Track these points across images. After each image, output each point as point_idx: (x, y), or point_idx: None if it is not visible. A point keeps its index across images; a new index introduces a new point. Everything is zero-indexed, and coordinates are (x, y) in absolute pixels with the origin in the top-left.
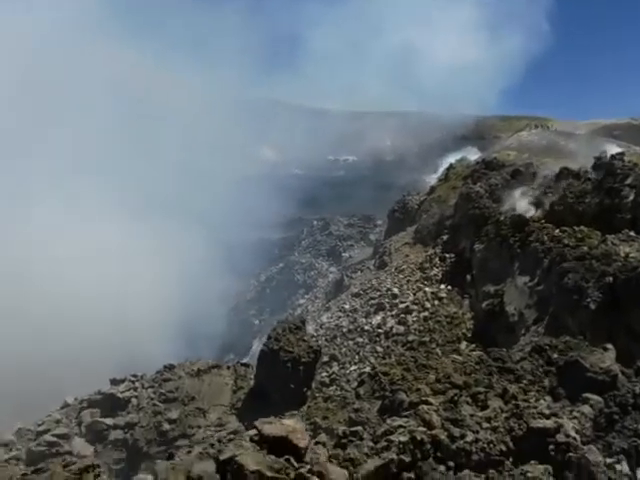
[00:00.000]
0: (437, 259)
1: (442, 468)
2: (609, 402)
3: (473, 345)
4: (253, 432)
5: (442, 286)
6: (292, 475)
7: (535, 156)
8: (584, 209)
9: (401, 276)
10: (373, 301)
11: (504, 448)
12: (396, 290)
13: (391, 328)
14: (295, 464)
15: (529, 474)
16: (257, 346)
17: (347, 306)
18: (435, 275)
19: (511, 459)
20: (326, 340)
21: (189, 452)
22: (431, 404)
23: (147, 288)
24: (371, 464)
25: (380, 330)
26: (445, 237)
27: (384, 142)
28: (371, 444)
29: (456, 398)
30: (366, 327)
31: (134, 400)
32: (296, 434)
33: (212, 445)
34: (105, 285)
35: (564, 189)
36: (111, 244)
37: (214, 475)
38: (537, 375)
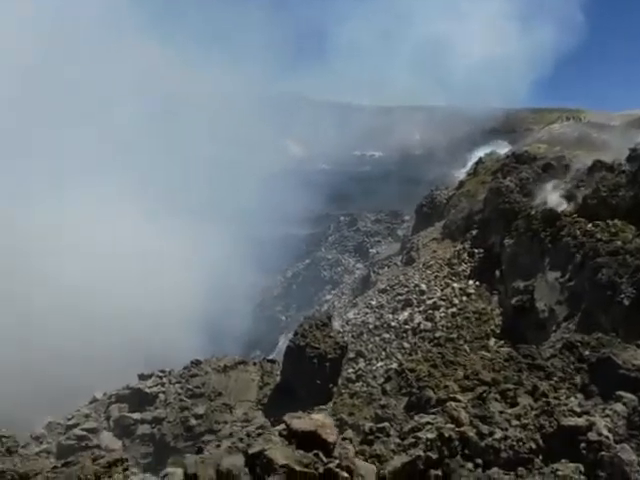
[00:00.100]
0: (465, 254)
1: (470, 465)
2: None
3: (502, 342)
4: (282, 427)
5: (470, 282)
6: (321, 470)
7: (567, 149)
8: (618, 202)
9: (429, 272)
10: (400, 297)
11: (534, 446)
12: (424, 286)
13: (418, 324)
14: (324, 459)
15: (559, 472)
16: (283, 342)
17: (374, 302)
18: (463, 271)
19: (541, 457)
20: (352, 336)
21: (218, 446)
22: (459, 401)
23: (174, 284)
24: (398, 461)
25: (407, 326)
26: (474, 232)
27: (412, 136)
28: (398, 441)
29: (485, 395)
30: (393, 323)
31: (161, 395)
32: (325, 429)
33: (241, 439)
34: (133, 281)
35: (597, 182)
36: (139, 239)
37: (243, 469)
38: (568, 372)
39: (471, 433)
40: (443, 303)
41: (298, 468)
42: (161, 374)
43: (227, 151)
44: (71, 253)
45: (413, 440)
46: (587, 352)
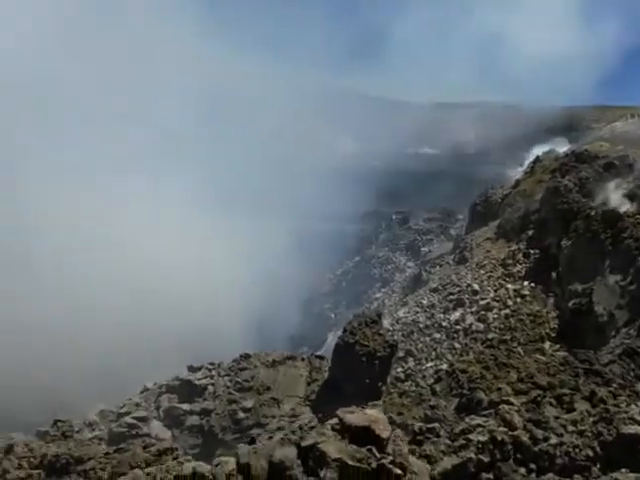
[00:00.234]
0: (521, 255)
1: (523, 470)
2: None
3: (557, 345)
4: (334, 421)
5: (525, 283)
6: (374, 465)
7: (630, 147)
8: None
9: (482, 272)
10: (452, 297)
11: (591, 453)
12: (476, 286)
13: (470, 325)
14: (377, 454)
15: None
16: (332, 339)
17: (425, 301)
18: (518, 272)
19: (599, 465)
20: (402, 335)
21: (270, 438)
22: (512, 404)
23: (225, 279)
24: (448, 462)
25: (458, 327)
26: (530, 232)
27: (466, 134)
28: (448, 442)
29: (539, 399)
30: (444, 323)
31: (210, 387)
32: (378, 424)
33: (293, 432)
34: (184, 276)
35: None
36: (191, 236)
37: (295, 461)
38: (628, 379)
39: (524, 437)
40: (496, 304)
41: (351, 462)
42: (210, 366)
43: (280, 148)
44: (126, 248)
45: (464, 442)
46: None
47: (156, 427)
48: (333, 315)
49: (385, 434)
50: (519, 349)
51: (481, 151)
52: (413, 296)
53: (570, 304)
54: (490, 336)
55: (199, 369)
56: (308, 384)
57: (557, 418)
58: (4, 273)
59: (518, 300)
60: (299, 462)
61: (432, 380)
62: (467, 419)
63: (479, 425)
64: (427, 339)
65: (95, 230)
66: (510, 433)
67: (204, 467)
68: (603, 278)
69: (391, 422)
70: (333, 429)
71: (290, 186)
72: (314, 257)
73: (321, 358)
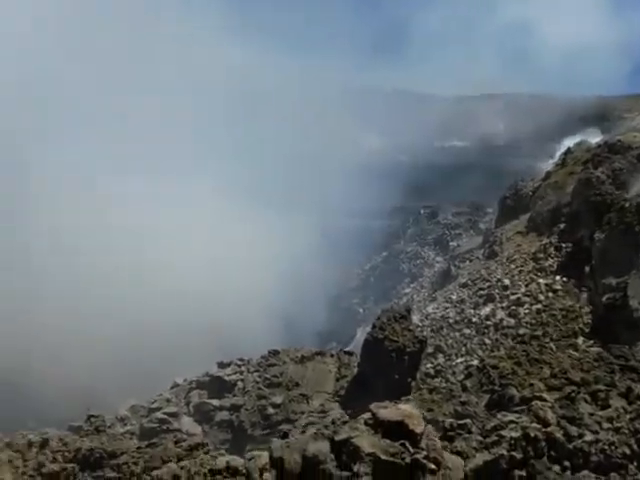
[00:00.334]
0: (552, 249)
1: (557, 468)
2: None
3: (591, 341)
4: (367, 415)
5: (557, 277)
6: (407, 460)
7: None
8: None
9: (512, 266)
10: (482, 292)
11: (628, 451)
12: (507, 281)
13: (501, 320)
14: (410, 449)
15: None
16: (361, 335)
17: (454, 296)
18: (550, 266)
19: (635, 463)
20: (431, 331)
21: (303, 432)
22: (545, 400)
23: (252, 274)
24: (480, 459)
25: (489, 322)
26: (561, 226)
27: (495, 126)
28: (480, 438)
29: (573, 395)
30: (474, 319)
31: (240, 383)
32: (412, 419)
33: (326, 426)
34: (210, 272)
35: None
36: (217, 231)
37: (329, 455)
38: None
39: (558, 434)
40: (527, 299)
41: (384, 457)
42: (240, 362)
43: (306, 144)
44: (156, 247)
45: (496, 438)
46: None
47: (186, 422)
48: (361, 311)
49: (419, 429)
50: (551, 345)
51: (510, 143)
52: (442, 291)
53: (604, 299)
54: (521, 331)
55: (229, 365)
56: (337, 380)
57: (592, 415)
58: (35, 270)
59: (550, 295)
60: (332, 456)
61: (462, 376)
62: (499, 415)
63: (511, 421)
64: (457, 335)
65: (124, 229)
66: (543, 430)
67: (238, 461)
68: (638, 271)
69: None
70: (366, 424)
71: (317, 182)
72: (342, 253)
73: (350, 354)
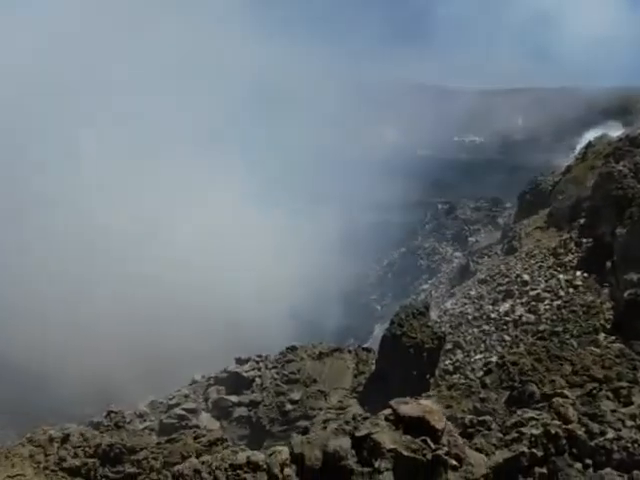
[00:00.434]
0: (572, 244)
1: (579, 465)
2: None
3: (613, 337)
4: (388, 411)
5: (578, 273)
6: (429, 456)
7: None
8: None
9: (532, 262)
10: (501, 288)
11: None
12: (526, 277)
13: (520, 316)
14: (432, 445)
15: None
16: (379, 331)
17: (473, 292)
18: (570, 261)
19: None
20: (450, 327)
21: (324, 428)
22: (567, 397)
23: (268, 269)
24: (500, 456)
25: (508, 318)
26: (582, 221)
27: (514, 121)
28: (500, 435)
29: (595, 392)
30: (493, 315)
31: (258, 380)
32: (433, 415)
33: (347, 422)
34: (228, 266)
35: None
36: (236, 226)
37: (350, 451)
38: None
39: (580, 431)
40: (547, 295)
41: (406, 453)
42: (258, 359)
43: (326, 138)
44: (174, 242)
45: (516, 435)
46: None
47: (205, 418)
48: (379, 307)
49: (440, 425)
50: (572, 341)
51: (530, 137)
52: (461, 287)
53: (625, 294)
54: (541, 328)
55: (246, 361)
56: (355, 376)
57: (614, 412)
58: (54, 269)
59: (570, 291)
60: (353, 452)
61: (481, 372)
62: (519, 412)
63: (532, 418)
64: (476, 331)
65: (143, 222)
66: (565, 427)
67: (258, 456)
68: None
69: None
70: (387, 419)
71: (336, 176)
72: (359, 248)
73: (368, 350)
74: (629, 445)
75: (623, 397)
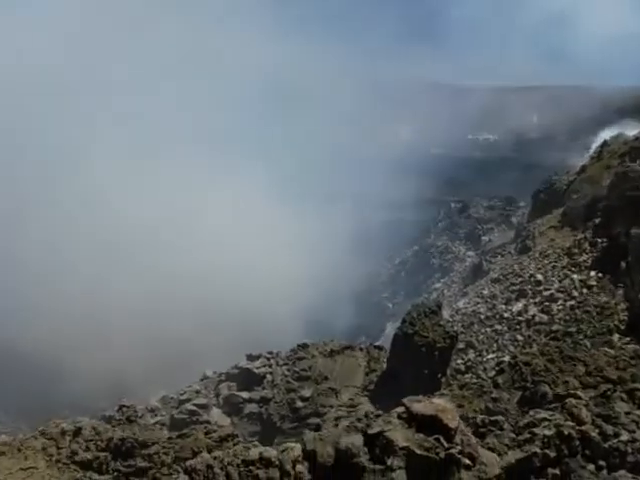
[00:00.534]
0: (587, 244)
1: (592, 467)
2: None
3: (627, 338)
4: (400, 409)
5: (592, 273)
6: (442, 455)
7: None
8: None
9: (546, 261)
10: (514, 287)
11: None
12: (540, 276)
13: (533, 316)
14: (445, 444)
15: None
16: (390, 329)
17: (486, 292)
18: (584, 261)
19: None
20: (462, 326)
21: (336, 425)
22: (580, 398)
23: (281, 266)
24: (512, 456)
25: (521, 318)
26: (597, 220)
27: (529, 119)
28: (512, 435)
29: (609, 393)
30: (506, 314)
31: (269, 376)
32: (446, 414)
33: (359, 419)
34: (240, 264)
35: None
36: (248, 221)
37: (362, 448)
38: None
39: (593, 433)
40: (561, 295)
41: (419, 451)
42: (269, 355)
43: (340, 137)
44: (188, 238)
45: (529, 436)
46: None
47: (216, 414)
48: (391, 305)
49: (453, 424)
50: (586, 342)
51: (545, 136)
52: (473, 286)
53: None
54: (555, 328)
55: (258, 358)
56: (366, 374)
57: (628, 414)
58: (68, 265)
59: (584, 291)
60: (365, 450)
61: (494, 372)
62: (531, 412)
63: (545, 419)
64: (488, 330)
65: (159, 220)
66: (578, 428)
67: (271, 452)
68: None
69: None
70: (400, 417)
71: (350, 175)
72: (372, 246)
73: (379, 348)
74: None
75: (637, 399)
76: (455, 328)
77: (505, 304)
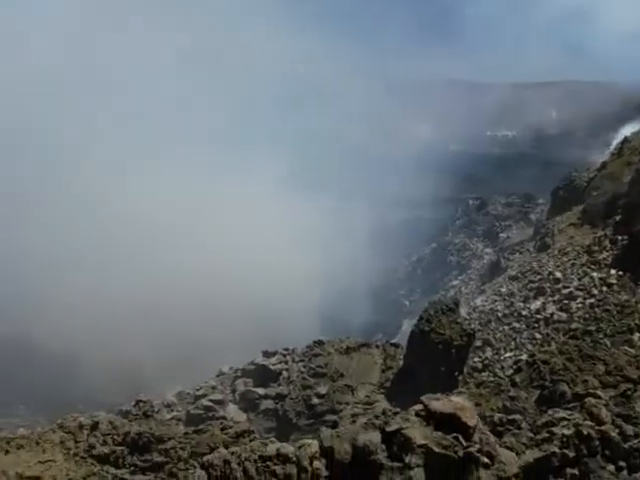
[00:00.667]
0: (607, 241)
1: (611, 467)
2: None
3: None
4: (419, 407)
5: (612, 271)
6: (460, 453)
7: None
8: None
9: (565, 259)
10: (532, 285)
11: None
12: (559, 274)
13: (552, 314)
14: (463, 442)
15: None
16: (407, 327)
17: (503, 289)
18: (604, 259)
19: None
20: (479, 324)
21: (353, 422)
22: (600, 397)
23: (298, 263)
24: (530, 455)
25: (539, 316)
26: (617, 217)
27: (548, 115)
28: (530, 434)
29: (629, 393)
30: (524, 312)
31: (285, 373)
32: (465, 412)
33: (377, 417)
34: (257, 260)
35: None
36: (266, 217)
37: (380, 446)
38: None
39: (613, 433)
40: (580, 293)
41: (437, 449)
42: (285, 352)
43: (358, 134)
44: (204, 234)
45: (547, 435)
46: None
47: (232, 410)
48: (408, 302)
49: (472, 422)
50: (606, 340)
51: (564, 132)
52: (491, 284)
53: None
54: (573, 326)
55: (274, 354)
56: (382, 372)
57: None
58: (86, 263)
59: (604, 289)
60: (383, 447)
61: (511, 371)
62: (550, 412)
63: (563, 418)
64: (506, 328)
65: (175, 216)
66: (597, 428)
67: (288, 448)
68: None
69: None
70: (417, 415)
71: (368, 173)
72: (389, 244)
73: (396, 346)
74: None
75: None
76: (472, 326)
77: (523, 302)
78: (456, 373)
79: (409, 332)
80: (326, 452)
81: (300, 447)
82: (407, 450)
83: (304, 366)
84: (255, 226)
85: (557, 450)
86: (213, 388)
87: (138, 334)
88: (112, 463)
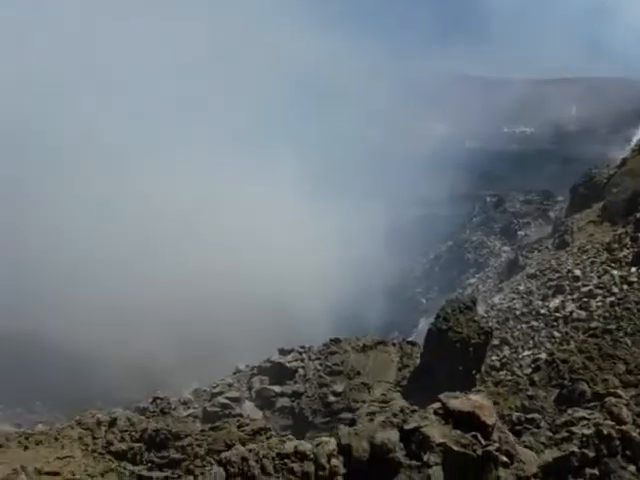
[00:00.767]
0: (628, 239)
1: (632, 468)
2: None
3: None
4: (437, 405)
5: (633, 269)
6: (479, 452)
7: None
8: None
9: (584, 257)
10: (551, 283)
11: None
12: (578, 272)
13: (571, 313)
14: (482, 441)
15: None
16: (424, 325)
17: (522, 287)
18: (625, 257)
19: None
20: (497, 322)
21: (371, 420)
22: (620, 397)
23: (314, 261)
24: (549, 455)
25: (558, 314)
26: (638, 215)
27: (567, 111)
28: (549, 434)
29: None
30: (542, 310)
31: (301, 370)
32: (483, 410)
33: (395, 415)
34: (274, 258)
35: None
36: (282, 217)
37: (398, 444)
38: None
39: (634, 433)
40: (600, 291)
41: (456, 448)
42: (301, 349)
43: (374, 132)
44: (220, 233)
45: (566, 434)
46: None
47: (248, 408)
48: (424, 300)
49: (491, 421)
50: (626, 339)
51: (584, 128)
52: (509, 282)
53: None
54: (593, 325)
55: (290, 352)
56: (399, 370)
57: None
58: (102, 260)
59: (625, 287)
60: (401, 445)
61: (530, 370)
62: (569, 411)
63: (583, 418)
64: (524, 327)
65: (192, 215)
66: (618, 427)
67: (305, 446)
68: None
69: None
70: (436, 413)
71: (384, 172)
72: (406, 241)
73: (413, 344)
74: None
75: None
76: (490, 324)
77: (542, 300)
78: (474, 372)
79: (426, 330)
80: (344, 450)
81: (318, 445)
82: (425, 448)
83: (320, 364)
84: (272, 225)
85: (577, 450)
86: (229, 386)
87: (155, 332)
88: (129, 459)
